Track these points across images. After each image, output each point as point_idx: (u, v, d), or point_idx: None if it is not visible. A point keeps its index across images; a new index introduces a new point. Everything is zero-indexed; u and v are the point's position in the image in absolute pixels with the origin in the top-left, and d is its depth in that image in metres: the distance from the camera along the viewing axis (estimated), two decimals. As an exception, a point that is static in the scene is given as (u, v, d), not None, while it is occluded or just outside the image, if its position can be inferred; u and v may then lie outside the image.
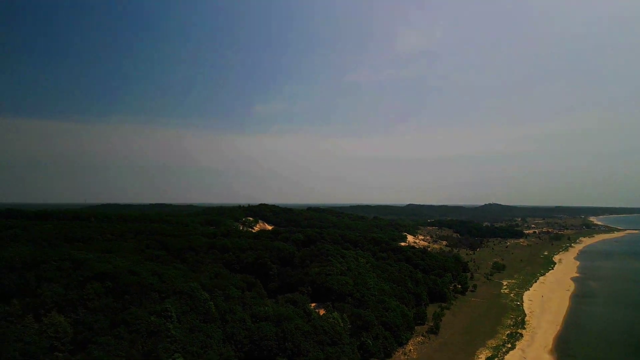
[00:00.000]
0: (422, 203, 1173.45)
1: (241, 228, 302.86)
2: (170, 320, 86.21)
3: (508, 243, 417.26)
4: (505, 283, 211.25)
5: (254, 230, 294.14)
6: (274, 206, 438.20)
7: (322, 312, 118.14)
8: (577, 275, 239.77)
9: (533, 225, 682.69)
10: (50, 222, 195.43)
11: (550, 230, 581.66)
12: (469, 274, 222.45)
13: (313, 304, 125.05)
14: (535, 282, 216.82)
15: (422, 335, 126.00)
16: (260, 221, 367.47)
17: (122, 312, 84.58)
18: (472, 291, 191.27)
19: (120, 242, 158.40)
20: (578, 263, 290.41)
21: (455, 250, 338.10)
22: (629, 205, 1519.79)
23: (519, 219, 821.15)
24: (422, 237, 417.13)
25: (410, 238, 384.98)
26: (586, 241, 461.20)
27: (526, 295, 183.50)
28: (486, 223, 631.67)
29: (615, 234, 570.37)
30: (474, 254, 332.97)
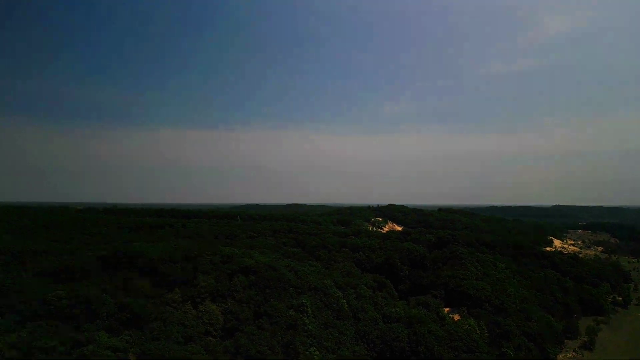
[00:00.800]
0: (571, 204, 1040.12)
1: (370, 228, 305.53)
2: (306, 315, 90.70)
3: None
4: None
5: (383, 231, 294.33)
6: (402, 207, 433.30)
7: (456, 317, 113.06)
8: None
9: None
10: (204, 221, 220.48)
11: None
12: (632, 285, 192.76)
13: (446, 309, 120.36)
14: None
15: (574, 351, 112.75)
16: (389, 222, 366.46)
17: (263, 304, 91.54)
18: (636, 305, 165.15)
19: (261, 240, 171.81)
20: None
21: (613, 258, 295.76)
22: None
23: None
24: (572, 242, 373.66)
25: (557, 243, 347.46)
26: None
27: None
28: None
29: None
30: (637, 262, 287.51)
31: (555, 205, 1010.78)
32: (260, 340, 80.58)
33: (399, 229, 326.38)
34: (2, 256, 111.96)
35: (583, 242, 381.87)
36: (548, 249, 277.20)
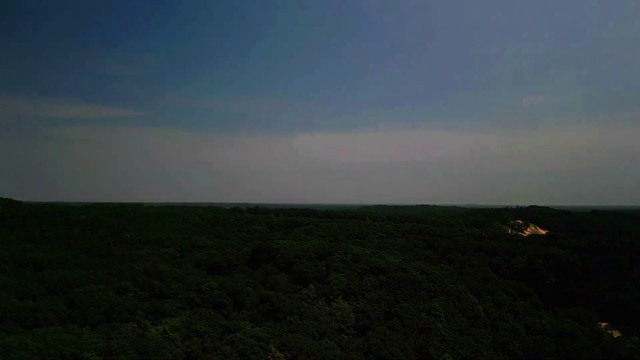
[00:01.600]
0: None
1: (509, 231, 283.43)
2: (439, 319, 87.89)
3: None
4: None
5: (524, 234, 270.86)
6: (546, 208, 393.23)
7: (616, 334, 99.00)
8: None
9: None
10: (335, 220, 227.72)
11: None
12: None
13: (603, 324, 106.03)
14: None
15: None
16: (531, 224, 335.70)
17: (394, 305, 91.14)
18: None
19: (390, 240, 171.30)
20: None
21: None
22: None
23: None
24: None
25: None
26: None
27: None
28: None
29: None
30: None
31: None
32: (392, 341, 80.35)
33: (543, 232, 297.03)
34: (169, 249, 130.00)
35: None
36: None
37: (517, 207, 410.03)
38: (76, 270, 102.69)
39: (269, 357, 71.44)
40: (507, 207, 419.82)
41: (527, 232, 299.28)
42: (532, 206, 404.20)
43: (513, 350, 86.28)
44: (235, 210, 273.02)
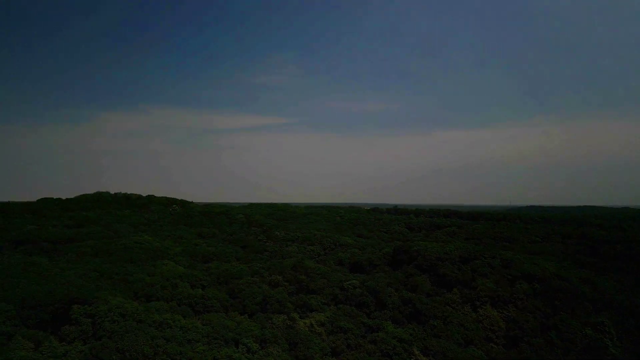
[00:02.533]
0: None
1: None
2: (608, 336, 76.82)
3: None
4: None
5: None
6: None
7: None
8: None
9: None
10: (480, 222, 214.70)
11: None
12: None
13: None
14: None
15: None
16: None
17: (552, 317, 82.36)
18: None
19: (544, 245, 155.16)
20: None
21: None
22: None
23: None
24: None
25: None
26: None
27: None
28: None
29: None
30: None
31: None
32: (550, 355, 72.79)
33: None
34: (314, 247, 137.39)
35: None
36: None
37: None
38: (236, 263, 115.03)
39: (412, 359, 70.60)
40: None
41: None
42: None
43: None
44: (375, 211, 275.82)
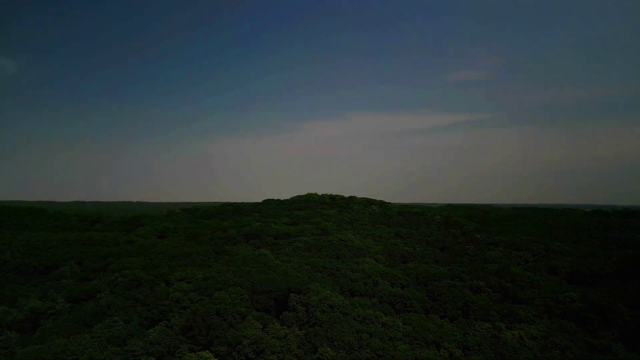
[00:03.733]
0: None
1: None
2: None
3: None
4: None
5: None
6: None
7: None
8: None
9: None
10: None
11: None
12: None
13: None
14: None
15: None
16: None
17: None
18: None
19: None
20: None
21: None
22: None
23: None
24: None
25: None
26: None
27: None
28: None
29: None
30: None
31: None
32: None
33: None
34: (522, 252, 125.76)
35: None
36: None
37: None
38: (434, 265, 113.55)
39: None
40: None
41: None
42: None
43: None
44: (597, 213, 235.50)
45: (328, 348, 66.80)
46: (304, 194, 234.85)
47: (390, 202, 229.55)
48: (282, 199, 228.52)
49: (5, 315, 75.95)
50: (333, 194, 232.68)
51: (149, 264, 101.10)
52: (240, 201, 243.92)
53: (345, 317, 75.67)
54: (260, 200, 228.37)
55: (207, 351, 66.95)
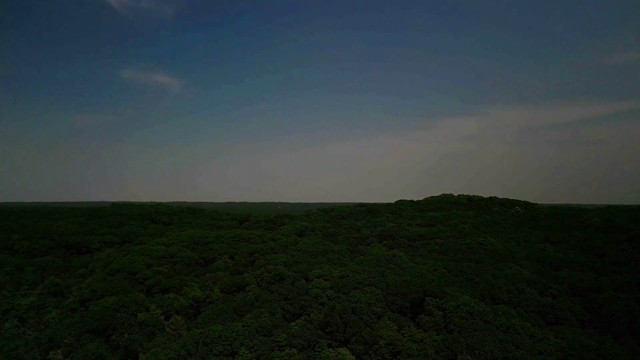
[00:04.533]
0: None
1: None
2: None
3: None
4: None
5: None
6: None
7: None
8: None
9: None
10: None
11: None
12: None
13: None
14: None
15: None
16: None
17: None
18: None
19: None
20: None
21: None
22: None
23: None
24: None
25: None
26: None
27: None
28: None
29: None
30: None
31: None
32: None
33: None
34: None
35: None
36: None
37: None
38: (591, 274, 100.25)
39: None
40: None
41: None
42: None
43: None
44: None
45: (468, 356, 63.60)
46: (438, 194, 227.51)
47: (536, 203, 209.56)
48: (415, 199, 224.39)
49: (174, 302, 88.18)
50: (470, 194, 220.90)
51: (290, 261, 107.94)
52: (373, 202, 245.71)
53: (486, 325, 71.25)
54: (392, 201, 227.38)
55: (344, 348, 68.97)
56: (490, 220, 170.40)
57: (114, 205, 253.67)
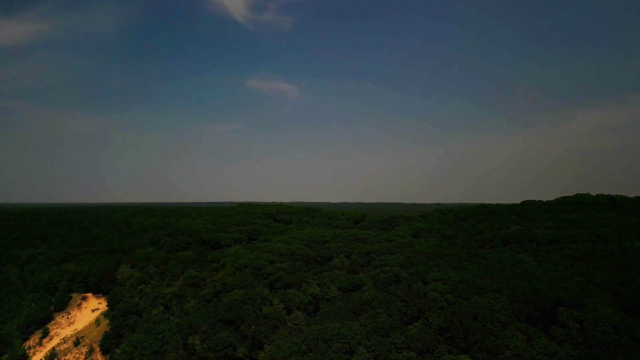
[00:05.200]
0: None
1: None
2: None
3: None
4: None
5: None
6: None
7: None
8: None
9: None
10: None
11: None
12: None
13: None
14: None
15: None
16: None
17: None
18: None
19: None
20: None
21: None
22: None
23: None
24: None
25: None
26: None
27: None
28: None
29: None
30: None
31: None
32: None
33: None
34: None
35: None
36: None
37: None
38: None
39: None
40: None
41: None
42: None
43: None
44: None
45: (612, 377, 56.45)
46: (572, 194, 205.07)
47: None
48: (544, 200, 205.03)
49: (294, 297, 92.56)
50: (612, 194, 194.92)
51: (406, 262, 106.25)
52: (496, 202, 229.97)
53: (634, 342, 62.51)
54: (518, 201, 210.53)
55: (466, 355, 66.00)
56: (636, 223, 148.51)
57: (241, 205, 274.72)
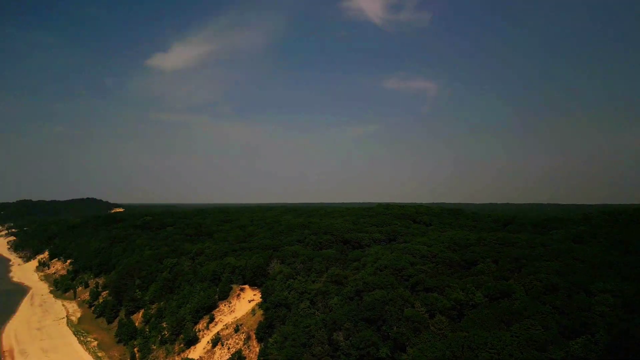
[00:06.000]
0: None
1: None
2: None
3: None
4: None
5: None
6: None
7: None
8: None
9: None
10: None
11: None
12: None
13: None
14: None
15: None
16: None
17: None
18: None
19: None
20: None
21: None
22: None
23: None
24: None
25: None
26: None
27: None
28: None
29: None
30: None
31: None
32: None
33: None
34: None
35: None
36: None
37: None
38: None
39: None
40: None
41: None
42: None
43: None
44: None
45: None
46: None
47: None
48: None
49: (437, 302, 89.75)
50: None
51: (565, 270, 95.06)
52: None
53: None
54: None
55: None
56: None
57: (380, 205, 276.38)
